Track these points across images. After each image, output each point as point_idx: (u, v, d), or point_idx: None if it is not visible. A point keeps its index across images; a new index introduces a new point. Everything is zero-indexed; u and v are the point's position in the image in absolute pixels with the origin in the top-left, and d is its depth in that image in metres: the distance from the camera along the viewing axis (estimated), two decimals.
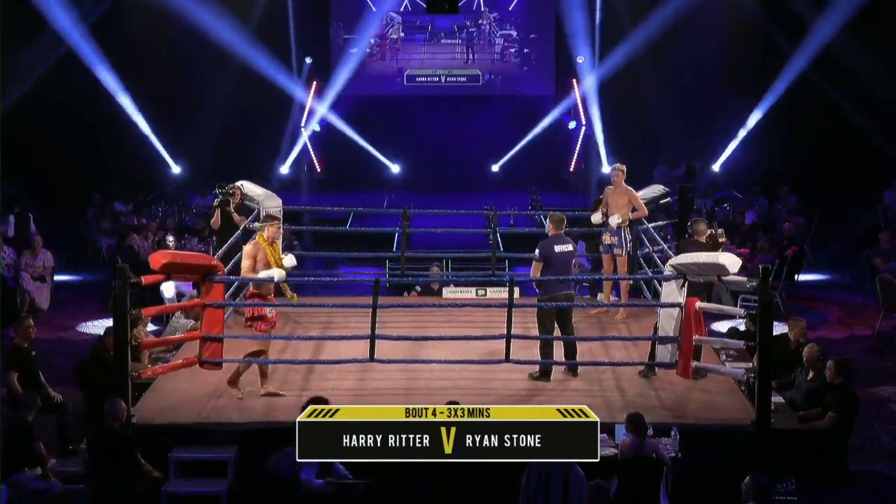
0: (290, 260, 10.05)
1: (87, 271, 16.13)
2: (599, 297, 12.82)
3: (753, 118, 20.44)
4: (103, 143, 19.75)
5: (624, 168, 12.30)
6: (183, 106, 20.53)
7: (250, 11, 20.89)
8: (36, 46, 18.34)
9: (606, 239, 12.20)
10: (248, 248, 9.88)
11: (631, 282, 12.23)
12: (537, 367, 10.19)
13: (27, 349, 10.22)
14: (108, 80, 19.50)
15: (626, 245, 12.07)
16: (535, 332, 10.36)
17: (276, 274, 9.69)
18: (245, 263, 9.81)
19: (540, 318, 10.18)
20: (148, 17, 20.11)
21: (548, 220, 10.58)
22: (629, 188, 12.20)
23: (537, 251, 10.35)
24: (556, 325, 10.33)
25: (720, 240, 11.21)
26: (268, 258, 9.78)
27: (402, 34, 22.18)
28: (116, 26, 19.68)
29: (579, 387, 10.06)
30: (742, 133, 20.42)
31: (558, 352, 10.39)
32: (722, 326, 12.25)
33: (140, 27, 20.13)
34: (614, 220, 12.00)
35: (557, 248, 10.31)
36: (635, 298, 12.95)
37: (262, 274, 9.69)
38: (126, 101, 19.87)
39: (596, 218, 12.34)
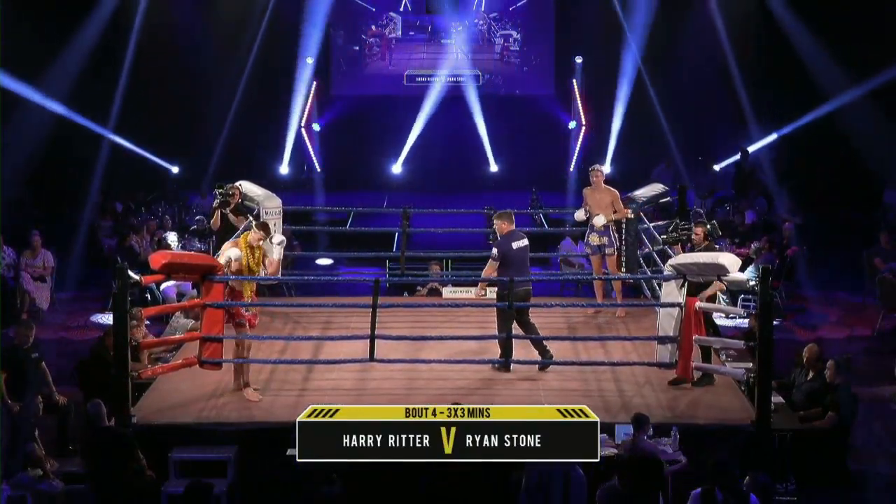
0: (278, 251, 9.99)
1: (87, 271, 16.10)
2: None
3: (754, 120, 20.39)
4: (103, 144, 19.70)
5: (602, 169, 12.39)
6: (184, 106, 20.49)
7: (250, 11, 20.87)
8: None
9: (595, 240, 12.22)
10: (230, 251, 9.82)
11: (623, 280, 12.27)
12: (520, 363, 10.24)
13: (26, 350, 10.22)
14: (108, 81, 19.47)
15: (616, 243, 12.12)
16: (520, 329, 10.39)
17: (233, 254, 9.72)
18: (221, 260, 9.79)
19: (500, 316, 10.16)
20: (151, 18, 20.06)
21: (497, 219, 10.54)
22: (610, 188, 12.27)
23: (494, 250, 10.37)
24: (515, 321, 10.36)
25: (717, 234, 11.21)
26: (245, 263, 9.79)
27: (401, 34, 22.16)
28: (121, 27, 19.64)
29: (579, 387, 10.07)
30: (752, 147, 20.34)
31: (530, 349, 10.44)
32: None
33: (144, 28, 20.06)
34: (599, 221, 12.03)
35: (515, 245, 10.34)
36: (635, 298, 12.97)
37: (222, 257, 9.72)
38: (126, 103, 19.84)
39: (579, 215, 12.42)
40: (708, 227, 10.67)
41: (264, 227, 9.98)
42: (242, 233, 10.14)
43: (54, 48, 18.48)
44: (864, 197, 18.77)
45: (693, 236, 10.63)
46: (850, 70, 18.51)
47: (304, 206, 15.50)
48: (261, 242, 9.87)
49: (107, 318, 13.61)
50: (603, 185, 12.25)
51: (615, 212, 12.13)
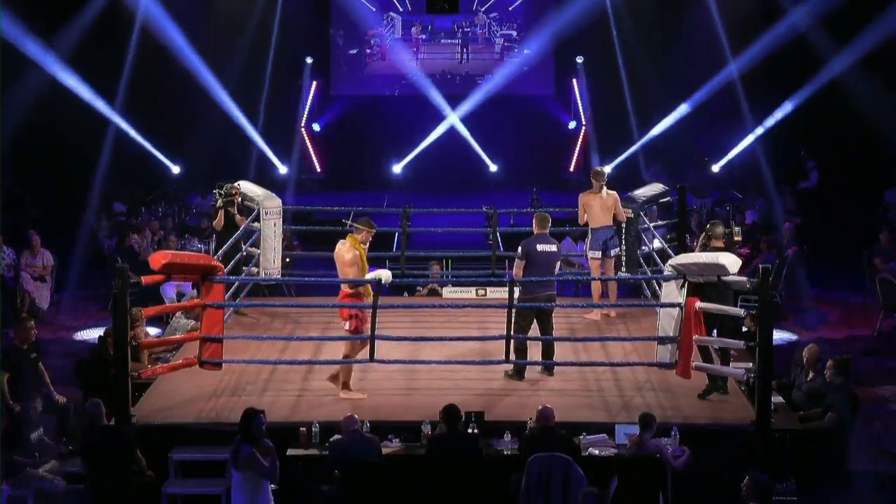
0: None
1: (87, 271, 16.10)
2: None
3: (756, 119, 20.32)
4: (103, 143, 19.67)
5: (601, 170, 12.37)
6: (183, 106, 20.49)
7: (249, 11, 20.88)
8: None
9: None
10: (348, 257, 9.79)
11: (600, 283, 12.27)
12: (513, 366, 10.18)
13: (26, 351, 10.22)
14: (106, 80, 19.43)
15: (587, 248, 12.24)
16: (535, 332, 10.36)
17: (384, 275, 9.68)
18: (350, 272, 9.75)
19: (517, 317, 10.00)
20: (150, 16, 20.02)
21: (533, 220, 10.60)
22: (611, 192, 12.29)
23: (519, 249, 10.36)
24: (535, 323, 10.33)
25: (735, 238, 11.16)
26: (364, 263, 9.80)
27: (401, 34, 22.18)
28: (116, 27, 19.60)
29: (579, 387, 10.07)
30: (750, 137, 20.28)
31: (535, 351, 10.41)
32: None
33: (143, 26, 20.01)
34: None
35: (540, 247, 10.30)
36: (636, 298, 12.97)
37: (370, 275, 9.69)
38: (126, 104, 19.80)
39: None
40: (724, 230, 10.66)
41: (370, 225, 9.96)
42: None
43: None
44: (866, 183, 18.67)
45: (714, 240, 10.55)
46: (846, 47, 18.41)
47: (304, 206, 15.49)
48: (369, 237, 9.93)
49: (90, 335, 13.48)
50: (604, 188, 12.23)
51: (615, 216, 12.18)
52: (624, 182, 15.24)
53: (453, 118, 21.43)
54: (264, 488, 7.75)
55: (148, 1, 19.40)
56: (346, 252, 9.83)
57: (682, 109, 20.53)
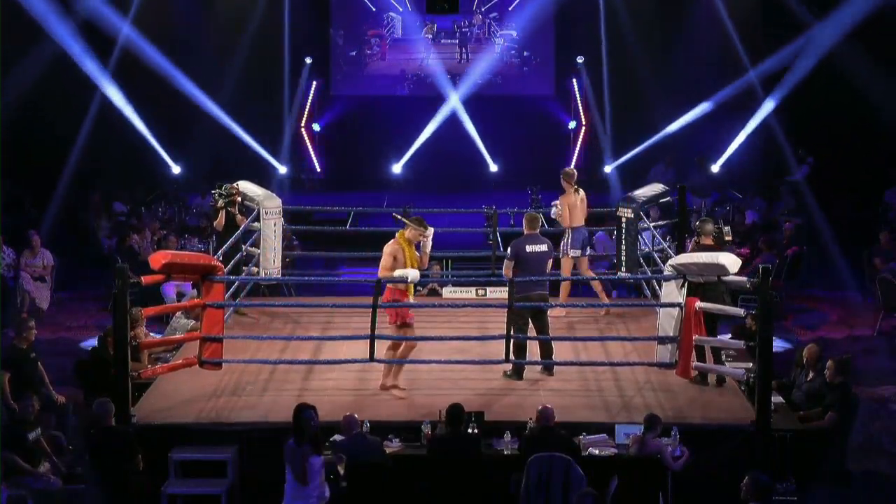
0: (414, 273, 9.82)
1: (87, 271, 16.09)
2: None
3: (757, 117, 20.23)
4: (102, 143, 19.65)
5: (570, 173, 12.38)
6: (182, 106, 20.46)
7: (250, 11, 20.86)
8: (32, 53, 18.11)
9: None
10: (387, 250, 9.82)
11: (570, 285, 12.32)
12: (514, 366, 10.19)
13: (25, 350, 10.23)
14: (106, 78, 19.38)
15: (567, 248, 12.20)
16: (532, 333, 10.36)
17: (411, 274, 9.65)
18: (385, 261, 9.76)
19: (513, 317, 9.95)
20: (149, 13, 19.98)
21: (524, 220, 10.62)
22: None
23: (509, 249, 10.38)
24: (531, 324, 10.33)
25: (726, 238, 11.17)
26: (405, 259, 9.75)
27: (401, 34, 22.17)
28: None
29: (579, 387, 10.07)
30: (743, 135, 20.25)
31: (533, 351, 10.42)
32: None
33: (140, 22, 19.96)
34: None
35: (529, 248, 10.31)
36: (636, 298, 12.97)
37: (397, 273, 9.67)
38: (127, 102, 19.74)
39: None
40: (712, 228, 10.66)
41: (421, 223, 9.95)
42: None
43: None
44: (863, 178, 18.62)
45: (704, 237, 10.55)
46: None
47: (304, 206, 15.50)
48: (421, 237, 9.90)
49: (90, 335, 13.48)
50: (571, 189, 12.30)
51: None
52: (624, 181, 15.22)
53: (454, 100, 21.31)
54: (310, 481, 7.75)
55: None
56: (387, 245, 9.84)
57: (703, 107, 20.43)
